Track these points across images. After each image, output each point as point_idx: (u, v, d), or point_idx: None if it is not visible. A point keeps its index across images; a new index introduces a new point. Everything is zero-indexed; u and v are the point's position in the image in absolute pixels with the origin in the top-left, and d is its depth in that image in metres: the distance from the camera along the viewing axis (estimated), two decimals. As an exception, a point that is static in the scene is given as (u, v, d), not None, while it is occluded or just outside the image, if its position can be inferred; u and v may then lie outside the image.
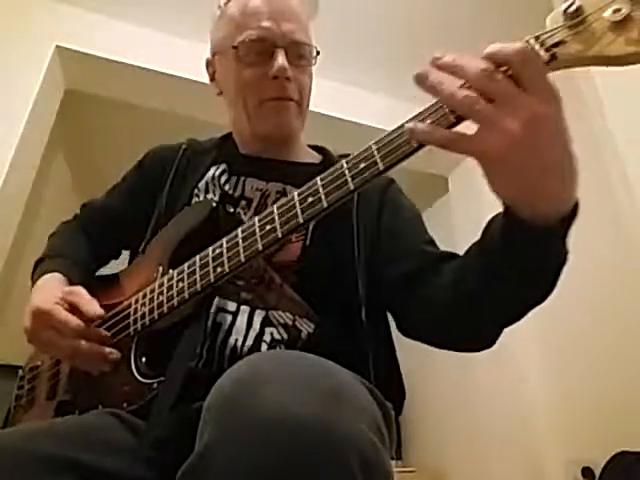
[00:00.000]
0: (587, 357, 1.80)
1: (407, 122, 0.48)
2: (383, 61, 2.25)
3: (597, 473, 1.58)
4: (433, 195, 3.02)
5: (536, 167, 0.43)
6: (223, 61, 0.81)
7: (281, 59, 0.74)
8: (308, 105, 0.82)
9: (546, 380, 1.98)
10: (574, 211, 0.47)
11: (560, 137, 0.43)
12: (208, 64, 0.86)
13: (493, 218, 0.53)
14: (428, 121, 0.46)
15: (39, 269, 0.81)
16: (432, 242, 0.74)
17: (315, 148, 0.88)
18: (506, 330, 0.59)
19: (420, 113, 0.48)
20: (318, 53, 0.80)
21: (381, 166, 0.49)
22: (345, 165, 0.52)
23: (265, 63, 0.75)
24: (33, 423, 0.64)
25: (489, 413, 2.17)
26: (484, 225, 0.55)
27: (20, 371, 0.86)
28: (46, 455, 0.50)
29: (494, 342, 0.61)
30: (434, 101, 0.47)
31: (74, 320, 0.66)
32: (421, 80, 0.44)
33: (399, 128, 0.49)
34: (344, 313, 0.68)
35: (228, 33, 0.78)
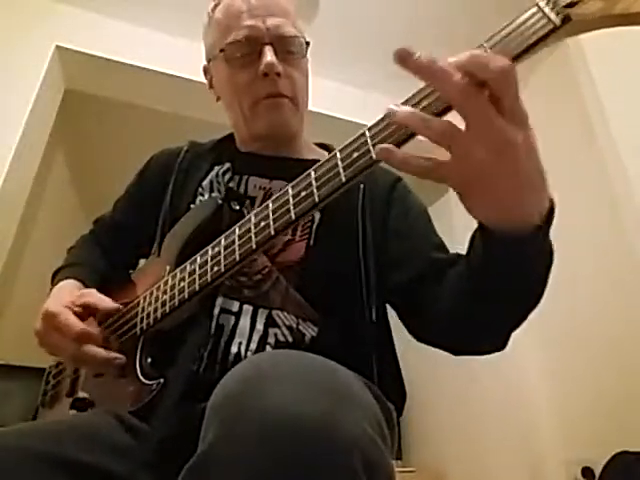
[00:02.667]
0: (587, 357, 1.80)
1: (402, 104, 0.46)
2: (383, 61, 2.24)
3: (597, 473, 1.58)
4: (433, 195, 3.02)
5: (509, 190, 0.42)
6: (216, 66, 0.81)
7: (269, 55, 0.73)
8: (306, 100, 0.81)
9: (546, 380, 1.98)
10: (551, 211, 0.46)
11: (531, 158, 0.42)
12: (205, 71, 0.86)
13: (474, 234, 0.52)
14: (425, 103, 0.44)
15: (57, 278, 0.82)
16: (441, 246, 0.73)
17: (321, 146, 0.88)
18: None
19: (413, 96, 0.46)
20: (308, 44, 0.79)
21: (374, 155, 0.47)
22: (339, 155, 0.50)
23: (254, 62, 0.74)
24: (31, 422, 0.65)
25: (489, 413, 2.17)
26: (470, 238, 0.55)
27: (47, 367, 0.87)
28: (41, 453, 0.50)
29: (502, 347, 0.63)
30: (423, 85, 0.45)
31: (77, 324, 0.67)
32: (391, 112, 0.43)
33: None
34: (348, 314, 0.68)
35: (217, 38, 0.78)
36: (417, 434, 2.81)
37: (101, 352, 0.66)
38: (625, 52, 1.36)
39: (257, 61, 0.74)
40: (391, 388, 0.66)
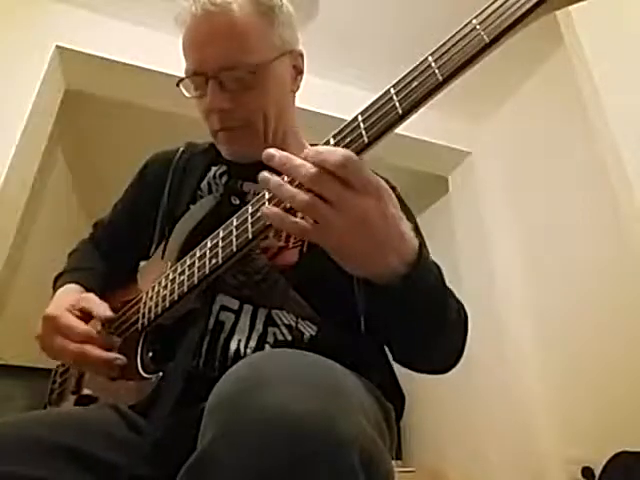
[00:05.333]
0: (587, 357, 1.80)
1: (393, 86, 0.48)
2: (383, 61, 2.25)
3: (597, 473, 1.57)
4: (433, 195, 3.02)
5: (368, 252, 0.48)
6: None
7: (211, 93, 0.71)
8: (279, 110, 0.77)
9: (546, 380, 1.98)
10: (419, 253, 0.51)
11: (387, 223, 0.47)
12: None
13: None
14: (415, 83, 0.46)
15: (58, 283, 0.83)
16: None
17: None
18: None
19: (407, 74, 0.48)
20: (258, 66, 0.71)
21: (366, 139, 0.48)
22: (332, 141, 0.51)
23: (204, 95, 0.73)
24: (32, 412, 0.65)
25: (489, 413, 2.17)
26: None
27: (55, 366, 0.88)
28: (41, 439, 0.51)
29: (448, 369, 0.66)
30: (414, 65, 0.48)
31: (80, 325, 0.67)
32: (264, 180, 0.49)
33: (386, 94, 0.48)
34: (344, 317, 0.68)
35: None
36: (417, 434, 2.81)
37: (102, 353, 0.66)
38: (626, 52, 1.36)
39: (206, 95, 0.73)
40: (389, 389, 0.67)
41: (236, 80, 0.72)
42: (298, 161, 0.47)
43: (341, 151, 0.45)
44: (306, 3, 1.93)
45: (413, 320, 0.55)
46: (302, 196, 0.46)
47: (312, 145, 0.88)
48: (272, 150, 0.48)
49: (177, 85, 0.75)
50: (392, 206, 0.48)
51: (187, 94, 0.77)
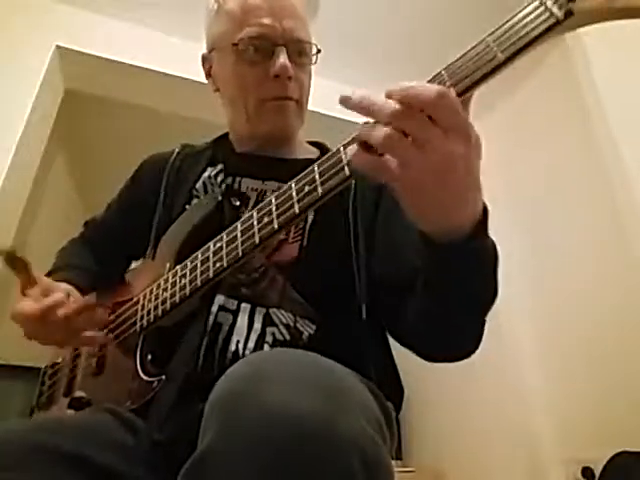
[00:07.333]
0: (587, 357, 1.79)
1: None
2: (382, 61, 2.25)
3: (597, 473, 1.57)
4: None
5: (443, 200, 0.45)
6: (221, 58, 0.80)
7: (283, 58, 0.73)
8: (307, 103, 0.82)
9: (546, 380, 1.98)
10: (484, 215, 0.49)
11: (469, 173, 0.44)
12: (204, 60, 0.85)
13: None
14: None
15: None
16: None
17: (314, 144, 0.88)
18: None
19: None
20: (319, 51, 0.79)
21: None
22: (342, 150, 0.50)
23: (266, 61, 0.74)
24: (32, 418, 0.64)
25: (488, 413, 2.17)
26: None
27: (43, 368, 0.86)
28: (41, 446, 0.50)
29: (473, 351, 0.62)
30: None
31: (53, 296, 0.67)
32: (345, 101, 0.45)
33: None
34: (343, 313, 0.68)
35: (227, 29, 0.77)
36: (417, 434, 2.81)
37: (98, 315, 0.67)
38: (627, 52, 1.36)
39: (269, 61, 0.73)
40: (389, 386, 0.66)
41: (300, 56, 0.77)
42: (380, 99, 0.43)
43: (436, 87, 0.41)
44: (306, 3, 1.93)
45: (464, 285, 0.52)
46: (381, 130, 0.42)
47: (310, 143, 0.88)
48: (346, 93, 0.44)
49: (235, 45, 0.75)
50: (478, 157, 0.45)
51: (248, 56, 0.75)
